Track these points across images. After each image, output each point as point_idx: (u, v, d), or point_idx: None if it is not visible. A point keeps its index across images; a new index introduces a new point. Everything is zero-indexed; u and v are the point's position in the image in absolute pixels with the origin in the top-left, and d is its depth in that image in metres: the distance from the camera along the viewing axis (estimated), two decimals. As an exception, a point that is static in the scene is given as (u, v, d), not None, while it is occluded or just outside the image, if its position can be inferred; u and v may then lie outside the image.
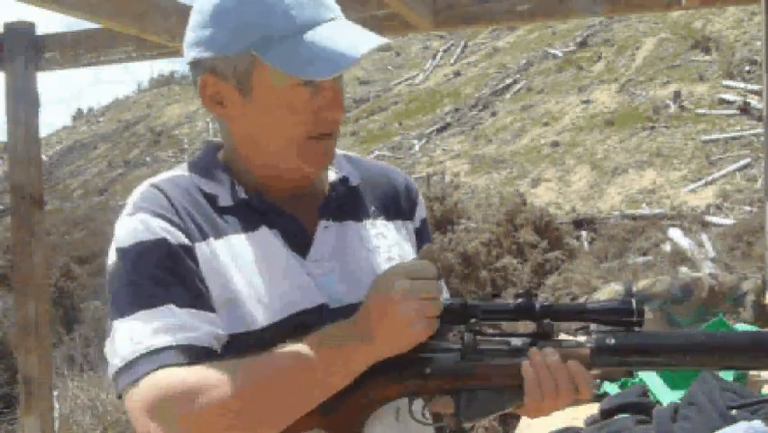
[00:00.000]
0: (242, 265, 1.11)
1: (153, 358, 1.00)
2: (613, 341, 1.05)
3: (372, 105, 26.86)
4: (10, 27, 3.57)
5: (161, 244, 1.07)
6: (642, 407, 1.65)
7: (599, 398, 1.87)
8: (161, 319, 1.02)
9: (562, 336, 1.16)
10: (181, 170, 1.19)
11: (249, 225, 1.13)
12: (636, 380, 1.89)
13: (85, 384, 6.12)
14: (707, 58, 19.88)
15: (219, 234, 1.12)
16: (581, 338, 1.09)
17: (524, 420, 1.87)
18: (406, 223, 1.28)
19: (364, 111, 26.18)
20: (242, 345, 1.06)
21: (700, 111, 17.16)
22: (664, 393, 1.72)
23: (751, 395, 1.53)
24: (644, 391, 1.76)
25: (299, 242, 1.15)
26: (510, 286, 7.54)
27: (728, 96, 17.20)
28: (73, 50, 3.67)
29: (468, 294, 6.77)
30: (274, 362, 1.01)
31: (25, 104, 3.54)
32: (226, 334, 1.07)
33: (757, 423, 1.34)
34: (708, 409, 1.43)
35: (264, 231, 1.14)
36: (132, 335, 1.02)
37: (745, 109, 16.26)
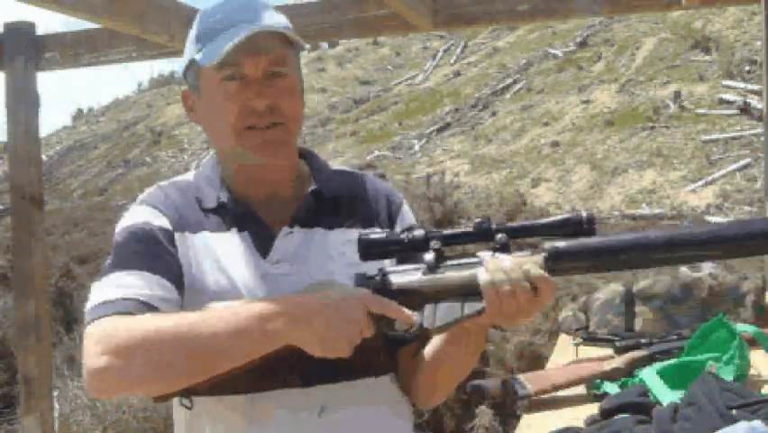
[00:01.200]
0: (208, 260, 1.28)
1: (107, 306, 1.18)
2: (564, 244, 1.12)
3: (372, 105, 26.85)
4: (10, 27, 3.57)
5: (145, 226, 1.27)
6: (642, 407, 1.65)
7: (599, 398, 1.87)
8: (125, 279, 1.21)
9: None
10: (189, 175, 1.40)
11: (222, 226, 1.31)
12: (636, 380, 1.89)
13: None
14: (707, 58, 19.88)
15: (197, 229, 1.30)
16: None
17: (524, 420, 1.87)
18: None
19: (364, 111, 26.18)
20: None
21: (700, 111, 17.15)
22: (664, 393, 1.72)
23: (751, 395, 1.53)
24: (644, 391, 1.76)
25: (264, 244, 1.30)
26: (510, 286, 7.52)
27: (728, 96, 17.19)
28: (73, 50, 3.67)
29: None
30: (201, 319, 1.14)
31: (25, 104, 3.54)
32: (178, 304, 1.23)
33: (757, 423, 1.34)
34: (708, 410, 1.43)
35: (233, 232, 1.30)
36: (100, 289, 1.22)
37: (745, 109, 16.25)
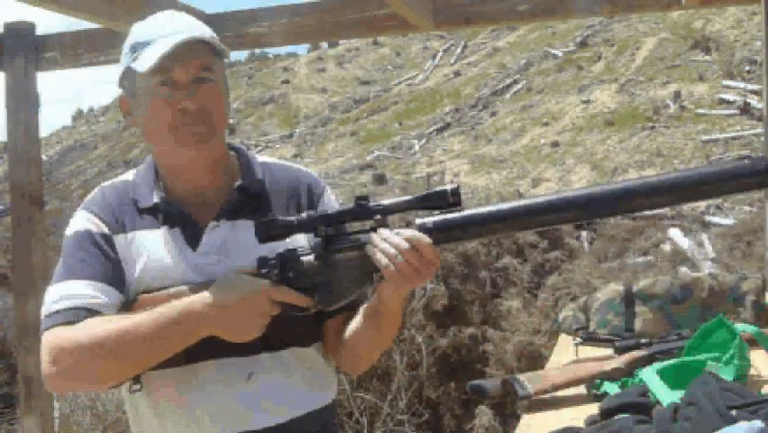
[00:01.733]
0: (144, 257, 1.43)
1: (54, 317, 1.37)
2: (431, 223, 1.29)
3: (372, 105, 26.85)
4: (10, 27, 3.57)
5: (88, 233, 1.44)
6: (642, 407, 1.65)
7: (599, 398, 1.87)
8: (72, 287, 1.39)
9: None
10: (129, 174, 1.55)
11: (155, 224, 1.46)
12: (636, 380, 1.89)
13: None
14: (707, 58, 19.88)
15: (132, 229, 1.45)
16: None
17: (524, 420, 1.87)
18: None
19: (364, 111, 26.18)
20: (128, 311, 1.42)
21: (700, 111, 17.15)
22: (664, 393, 1.72)
23: (751, 395, 1.53)
24: (644, 391, 1.76)
25: (193, 238, 1.45)
26: (511, 286, 7.54)
27: (728, 96, 17.20)
28: (73, 50, 3.67)
29: (468, 294, 6.78)
30: (131, 320, 1.33)
31: (25, 104, 3.54)
32: (120, 303, 1.41)
33: (757, 423, 1.34)
34: (708, 410, 1.43)
35: (165, 229, 1.45)
36: (49, 298, 1.40)
37: (745, 109, 16.25)
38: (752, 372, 1.89)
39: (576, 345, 2.31)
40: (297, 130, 27.11)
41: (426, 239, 1.28)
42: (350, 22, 3.45)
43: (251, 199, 1.49)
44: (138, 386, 1.41)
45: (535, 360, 5.63)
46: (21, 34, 3.55)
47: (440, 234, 1.29)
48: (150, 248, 1.44)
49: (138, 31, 1.45)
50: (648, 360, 1.99)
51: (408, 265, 1.27)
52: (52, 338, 1.35)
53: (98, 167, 30.44)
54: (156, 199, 1.46)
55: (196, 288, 1.37)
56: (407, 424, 5.73)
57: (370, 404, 5.78)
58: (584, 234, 11.49)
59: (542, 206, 1.28)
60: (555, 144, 17.77)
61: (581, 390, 1.99)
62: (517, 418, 2.03)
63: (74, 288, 1.39)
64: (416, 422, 5.81)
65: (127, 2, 3.16)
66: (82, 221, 1.46)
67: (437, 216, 1.30)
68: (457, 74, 26.39)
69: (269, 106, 31.11)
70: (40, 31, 3.62)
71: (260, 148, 25.55)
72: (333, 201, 1.57)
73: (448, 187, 1.29)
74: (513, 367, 5.73)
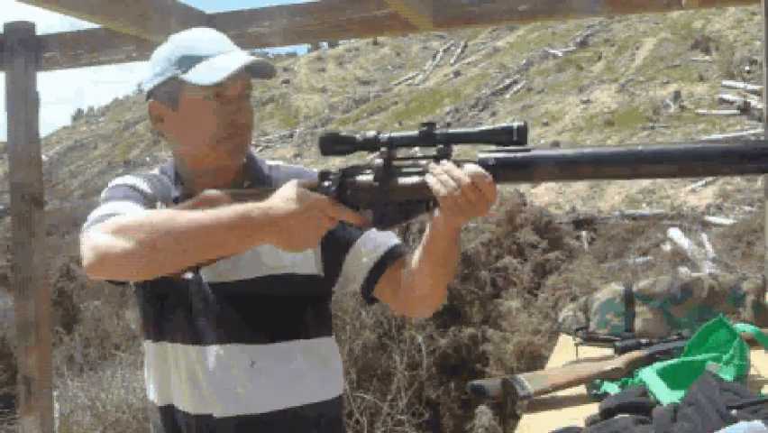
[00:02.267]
0: None
1: (107, 216, 1.38)
2: (493, 160, 1.28)
3: (372, 105, 26.85)
4: (10, 27, 3.57)
5: (134, 187, 1.52)
6: (642, 407, 1.65)
7: (599, 398, 1.87)
8: (121, 204, 1.44)
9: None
10: (155, 170, 1.63)
11: None
12: (636, 380, 1.89)
13: (85, 384, 6.11)
14: (707, 58, 19.88)
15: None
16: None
17: (524, 420, 1.87)
18: None
19: (364, 111, 26.18)
20: (146, 291, 1.55)
21: (700, 111, 17.15)
22: (664, 393, 1.72)
23: (751, 395, 1.53)
24: (644, 391, 1.76)
25: None
26: (511, 286, 7.54)
27: (728, 96, 17.20)
28: (73, 50, 3.67)
29: (468, 294, 6.78)
30: (200, 216, 1.33)
31: (25, 104, 3.54)
32: None
33: (757, 423, 1.34)
34: (708, 410, 1.43)
35: None
36: (99, 210, 1.43)
37: (745, 109, 16.26)
38: (752, 372, 1.89)
39: (576, 345, 2.31)
40: (297, 130, 27.11)
41: (487, 176, 1.27)
42: (350, 22, 3.45)
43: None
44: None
45: (535, 360, 5.63)
46: (21, 34, 3.55)
47: (500, 170, 1.28)
48: None
49: (184, 43, 1.53)
50: (648, 360, 1.99)
51: (465, 199, 1.27)
52: (108, 221, 1.36)
53: (98, 167, 30.43)
54: (177, 194, 1.54)
55: (257, 192, 1.41)
56: (407, 424, 5.73)
57: (370, 404, 5.78)
58: (584, 234, 11.49)
59: (608, 156, 1.24)
60: (555, 144, 17.77)
61: (581, 390, 1.99)
62: (517, 418, 2.03)
63: (126, 204, 1.44)
64: (416, 422, 5.81)
65: (127, 2, 3.16)
66: (128, 179, 1.55)
67: (500, 153, 1.29)
68: (457, 74, 26.40)
69: (269, 106, 31.11)
70: (40, 31, 3.62)
71: (260, 148, 25.55)
72: None
73: (515, 124, 1.28)
74: (513, 367, 5.73)
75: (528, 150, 1.27)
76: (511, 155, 1.28)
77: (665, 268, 8.09)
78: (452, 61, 28.17)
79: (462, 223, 1.37)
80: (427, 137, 1.32)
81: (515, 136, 1.27)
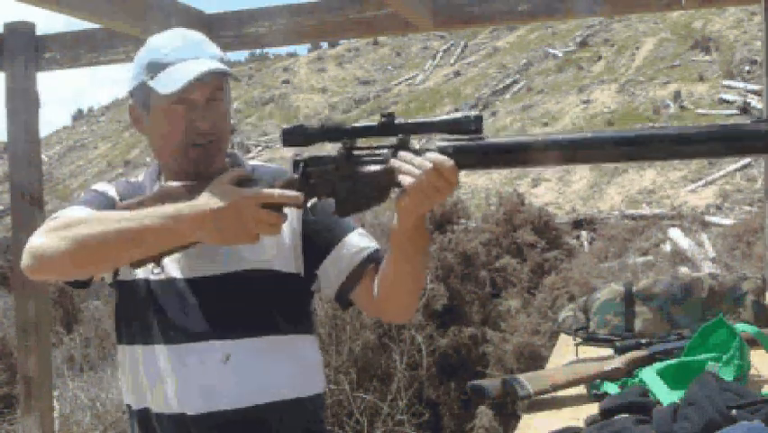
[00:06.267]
0: None
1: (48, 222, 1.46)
2: (451, 147, 1.33)
3: (372, 105, 26.85)
4: (10, 27, 3.57)
5: (102, 192, 1.58)
6: (642, 407, 1.65)
7: (599, 398, 1.87)
8: (78, 209, 1.49)
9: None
10: (140, 175, 1.67)
11: None
12: (636, 380, 1.89)
13: (85, 384, 6.11)
14: (707, 58, 19.88)
15: None
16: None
17: (524, 420, 1.87)
18: (291, 210, 1.55)
19: (364, 111, 26.18)
20: (123, 288, 1.57)
21: (700, 111, 17.15)
22: (664, 393, 1.72)
23: (751, 395, 1.53)
24: (644, 391, 1.76)
25: None
26: (510, 286, 7.54)
27: (728, 96, 17.20)
28: (73, 50, 3.67)
29: (468, 294, 6.78)
30: (131, 217, 1.40)
31: (25, 104, 3.54)
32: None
33: (757, 423, 1.34)
34: (708, 410, 1.43)
35: None
36: (63, 211, 1.51)
37: (745, 109, 16.26)
38: (752, 372, 1.89)
39: (576, 345, 2.31)
40: (297, 130, 27.06)
41: (449, 161, 1.32)
42: (350, 22, 3.45)
43: None
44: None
45: (535, 360, 5.63)
46: (21, 34, 3.55)
47: (459, 157, 1.33)
48: None
49: (154, 48, 1.54)
50: (648, 360, 1.99)
51: (429, 183, 1.32)
52: (41, 227, 1.47)
53: (98, 167, 30.43)
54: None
55: (185, 188, 1.45)
56: (407, 424, 5.73)
57: (370, 404, 5.78)
58: (584, 233, 11.49)
59: (559, 142, 1.31)
60: (555, 144, 17.78)
61: (581, 390, 1.99)
62: (517, 418, 2.03)
63: (77, 210, 1.50)
64: (416, 422, 5.81)
65: (127, 2, 3.16)
66: (103, 186, 1.62)
67: (457, 141, 1.34)
68: (457, 74, 26.40)
69: (269, 106, 31.10)
70: (40, 31, 3.62)
71: (260, 148, 25.55)
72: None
73: (471, 114, 1.34)
74: (513, 367, 5.73)
75: (483, 138, 1.34)
76: (469, 143, 1.34)
77: (665, 268, 8.10)
78: (452, 61, 28.17)
79: (427, 209, 1.41)
80: (387, 128, 1.37)
81: (472, 126, 1.33)
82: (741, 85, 17.41)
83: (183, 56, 1.50)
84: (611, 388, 1.92)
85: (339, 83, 32.71)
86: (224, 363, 1.50)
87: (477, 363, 6.19)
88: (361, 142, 1.42)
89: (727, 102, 17.07)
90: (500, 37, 28.13)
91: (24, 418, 3.53)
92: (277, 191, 1.41)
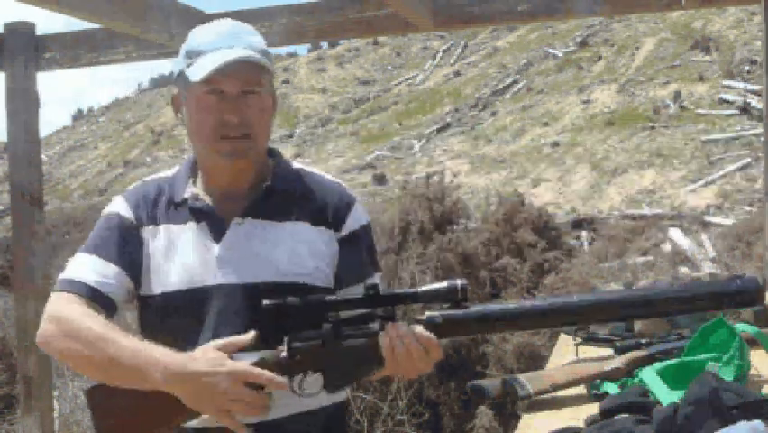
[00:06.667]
0: (170, 248, 1.52)
1: (70, 284, 1.49)
2: (440, 318, 1.35)
3: (372, 105, 26.85)
4: (10, 27, 3.57)
5: (117, 216, 1.56)
6: (642, 407, 1.65)
7: (599, 398, 1.87)
8: (89, 260, 1.51)
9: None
10: (171, 171, 1.64)
11: (184, 218, 1.54)
12: (636, 380, 1.89)
13: (85, 384, 6.11)
14: (707, 58, 19.88)
15: (163, 222, 1.55)
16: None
17: (524, 420, 1.87)
18: (330, 231, 1.56)
19: (364, 111, 26.18)
20: (146, 304, 1.54)
21: (700, 111, 17.15)
22: (664, 393, 1.72)
23: (751, 395, 1.53)
24: (644, 391, 1.76)
25: (218, 233, 1.52)
26: (510, 286, 7.54)
27: (728, 96, 17.20)
28: (73, 50, 3.67)
29: (468, 294, 6.77)
30: (112, 344, 1.41)
31: (25, 104, 3.54)
32: (132, 291, 1.53)
33: (757, 423, 1.34)
34: (708, 410, 1.43)
35: (192, 223, 1.53)
36: (72, 264, 1.53)
37: (745, 109, 16.26)
38: (752, 372, 1.89)
39: (576, 345, 2.31)
40: (297, 130, 27.11)
41: (435, 340, 1.35)
42: (350, 22, 3.45)
43: (279, 201, 1.55)
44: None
45: (535, 360, 5.63)
46: (21, 34, 3.55)
47: (447, 327, 1.36)
48: (178, 242, 1.53)
49: (194, 36, 1.53)
50: (648, 360, 1.99)
51: (412, 361, 1.34)
52: (56, 303, 1.48)
53: (98, 167, 30.42)
54: (186, 195, 1.55)
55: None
56: (407, 424, 5.73)
57: (370, 404, 5.78)
58: (584, 234, 11.49)
59: (542, 309, 1.36)
60: (555, 144, 17.77)
61: (581, 390, 1.99)
62: (517, 418, 2.03)
63: (88, 262, 1.51)
64: (416, 422, 5.81)
65: (127, 2, 3.16)
66: (116, 204, 1.59)
67: (446, 311, 1.36)
68: (457, 74, 26.40)
69: (269, 106, 30.99)
70: (40, 31, 3.62)
71: (260, 148, 25.44)
72: (361, 214, 1.62)
73: (458, 282, 1.35)
74: (513, 367, 5.73)
75: (468, 307, 1.36)
76: (458, 312, 1.36)
77: (665, 268, 8.10)
78: (452, 61, 28.17)
79: (397, 376, 1.42)
80: (372, 300, 1.37)
81: (458, 294, 1.35)
82: (741, 85, 17.42)
83: (218, 45, 1.48)
84: (611, 388, 1.92)
85: (339, 83, 32.70)
86: (292, 390, 1.46)
87: (477, 363, 6.19)
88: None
89: (727, 102, 17.07)
90: (500, 37, 28.12)
91: (24, 418, 3.53)
92: (265, 375, 1.35)
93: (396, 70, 30.80)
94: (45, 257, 3.64)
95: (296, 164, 1.65)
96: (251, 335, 1.40)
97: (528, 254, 7.92)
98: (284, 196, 1.55)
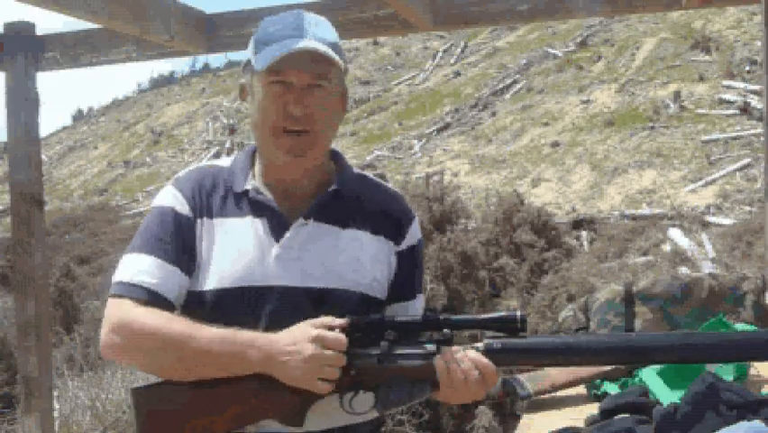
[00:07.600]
0: (226, 242, 1.47)
1: (124, 287, 1.43)
2: (499, 345, 1.35)
3: (372, 105, 26.84)
4: (10, 27, 3.57)
5: (171, 210, 1.48)
6: (642, 407, 1.65)
7: (599, 398, 1.87)
8: (142, 264, 1.44)
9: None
10: (226, 161, 1.58)
11: (243, 212, 1.49)
12: (636, 380, 1.89)
13: (85, 384, 6.11)
14: (707, 58, 19.87)
15: (219, 215, 1.49)
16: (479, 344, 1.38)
17: (524, 420, 1.87)
18: (390, 243, 1.55)
19: (364, 111, 26.17)
20: (195, 300, 1.46)
21: (700, 111, 17.14)
22: (664, 393, 1.72)
23: (751, 395, 1.53)
24: (644, 391, 1.76)
25: (278, 230, 1.47)
26: (509, 285, 7.54)
27: (728, 96, 17.19)
28: (73, 50, 3.66)
29: (468, 294, 6.78)
30: (200, 338, 1.36)
31: (25, 104, 3.54)
32: (187, 288, 1.46)
33: (757, 423, 1.34)
34: (708, 409, 1.43)
35: (249, 218, 1.48)
36: (122, 266, 1.46)
37: (745, 109, 16.25)
38: (752, 372, 1.89)
39: (576, 345, 2.31)
40: (297, 130, 27.04)
41: (492, 367, 1.34)
42: (350, 22, 3.44)
43: (343, 206, 1.52)
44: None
45: (535, 360, 5.62)
46: (21, 34, 3.54)
47: (504, 356, 1.35)
48: (234, 236, 1.48)
49: (265, 26, 1.50)
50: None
51: (468, 387, 1.34)
52: (117, 310, 1.42)
53: (98, 167, 30.41)
54: (248, 186, 1.50)
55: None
56: (407, 424, 5.73)
57: (370, 404, 5.77)
58: (584, 233, 11.49)
59: (601, 347, 1.34)
60: (555, 144, 17.76)
61: (581, 390, 1.99)
62: (517, 418, 2.03)
63: (146, 264, 1.44)
64: (416, 422, 5.80)
65: (127, 2, 3.15)
66: (168, 197, 1.51)
67: (505, 339, 1.36)
68: (457, 74, 26.39)
69: (268, 106, 30.97)
70: (40, 31, 3.62)
71: (259, 148, 25.43)
72: (418, 231, 1.61)
73: (518, 313, 1.36)
74: (513, 367, 5.73)
75: (526, 337, 1.36)
76: (518, 341, 1.35)
77: (665, 268, 8.09)
78: (452, 61, 28.16)
79: (449, 403, 1.40)
80: (431, 323, 1.37)
81: (518, 324, 1.35)
82: (741, 85, 17.41)
83: (286, 34, 1.45)
84: (611, 388, 1.92)
85: (339, 83, 32.64)
86: (341, 407, 1.43)
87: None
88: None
89: (728, 102, 17.06)
90: (500, 37, 28.12)
91: (24, 418, 3.53)
92: (340, 339, 1.36)
93: (396, 70, 30.78)
94: (45, 257, 3.63)
95: (356, 169, 1.62)
96: (344, 320, 1.38)
97: (527, 254, 7.92)
98: (349, 201, 1.53)
